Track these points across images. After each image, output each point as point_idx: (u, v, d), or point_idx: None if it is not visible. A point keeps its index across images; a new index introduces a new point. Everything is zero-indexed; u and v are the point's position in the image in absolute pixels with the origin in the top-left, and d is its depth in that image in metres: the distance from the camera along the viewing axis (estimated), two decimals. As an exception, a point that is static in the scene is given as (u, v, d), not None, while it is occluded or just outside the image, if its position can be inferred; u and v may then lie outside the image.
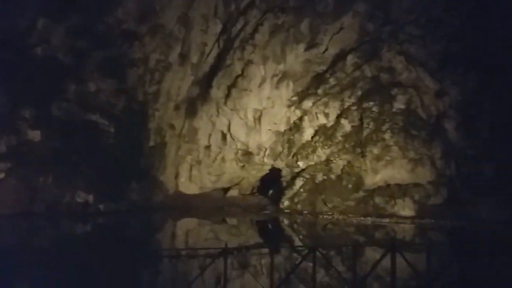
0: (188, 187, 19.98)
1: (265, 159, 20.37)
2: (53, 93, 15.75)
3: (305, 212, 18.07)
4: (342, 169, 18.69)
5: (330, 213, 17.66)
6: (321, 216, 17.54)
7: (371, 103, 19.21)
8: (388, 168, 18.11)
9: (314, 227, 16.55)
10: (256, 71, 20.00)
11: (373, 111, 19.15)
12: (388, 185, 17.82)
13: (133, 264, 8.56)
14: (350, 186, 18.26)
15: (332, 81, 20.12)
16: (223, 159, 20.24)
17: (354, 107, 19.48)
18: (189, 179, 20.00)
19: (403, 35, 19.75)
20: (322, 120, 19.86)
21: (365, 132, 18.94)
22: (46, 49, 16.37)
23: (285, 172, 19.77)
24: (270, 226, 17.23)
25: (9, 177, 13.95)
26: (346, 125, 19.43)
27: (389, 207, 17.26)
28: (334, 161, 18.91)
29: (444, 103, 18.61)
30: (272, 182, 20.21)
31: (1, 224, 12.53)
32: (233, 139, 20.26)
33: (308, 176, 18.98)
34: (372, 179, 18.16)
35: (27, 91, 15.18)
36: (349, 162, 18.66)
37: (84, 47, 17.03)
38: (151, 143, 18.31)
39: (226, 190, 20.68)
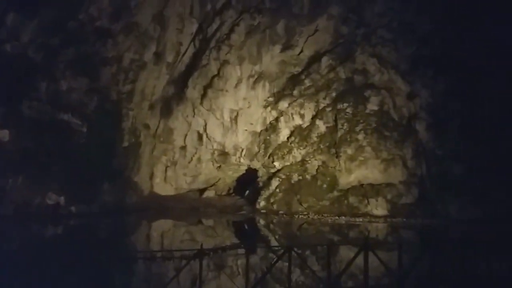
0: (163, 188, 19.73)
1: (242, 160, 20.40)
2: (23, 91, 15.20)
3: (281, 212, 18.23)
4: (317, 169, 18.98)
5: (305, 213, 17.89)
6: (296, 216, 17.73)
7: (345, 105, 19.59)
8: (362, 168, 18.51)
9: (290, 227, 16.71)
10: (232, 71, 19.98)
11: (347, 112, 19.53)
12: (361, 185, 18.21)
13: (106, 267, 8.38)
14: (325, 186, 18.55)
15: (307, 82, 20.38)
16: (199, 160, 20.12)
17: (329, 108, 19.80)
18: (164, 180, 19.75)
19: (375, 38, 20.23)
20: (297, 121, 20.09)
21: (340, 133, 19.29)
22: (16, 46, 15.77)
23: (262, 172, 19.88)
24: (246, 227, 17.26)
25: (-25, 178, 13.47)
26: (321, 126, 19.72)
27: (363, 207, 17.65)
28: (309, 161, 19.17)
29: (415, 104, 19.19)
30: (248, 182, 20.27)
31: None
32: (209, 139, 20.17)
33: (284, 177, 19.16)
34: (346, 179, 18.51)
35: (-5, 89, 14.68)
36: (324, 162, 18.97)
37: (56, 45, 16.52)
38: (125, 143, 17.95)
39: (202, 191, 20.56)
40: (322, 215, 17.48)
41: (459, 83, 18.66)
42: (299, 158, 19.37)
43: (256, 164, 20.30)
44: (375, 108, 19.29)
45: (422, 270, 8.68)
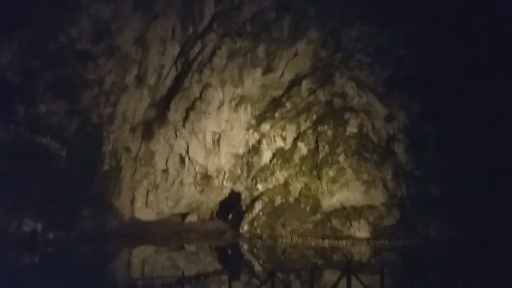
0: (145, 213, 19.33)
1: (225, 183, 20.30)
2: (0, 114, 14.87)
3: (264, 236, 18.08)
4: (299, 192, 19.04)
5: (289, 236, 17.80)
6: (280, 240, 17.62)
7: (326, 127, 19.90)
8: (344, 190, 18.68)
9: (274, 251, 16.59)
10: (215, 94, 20.09)
11: (328, 134, 19.83)
12: (344, 207, 18.31)
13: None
14: (308, 208, 18.59)
15: (288, 105, 20.69)
16: (181, 183, 19.90)
17: (310, 131, 20.07)
18: (145, 204, 19.38)
19: (353, 62, 20.83)
20: (279, 143, 20.24)
21: (321, 155, 19.50)
22: (-6, 68, 15.53)
23: (245, 195, 19.78)
24: (229, 252, 17.03)
25: None
26: (303, 148, 19.92)
27: (346, 229, 17.71)
28: (292, 184, 19.23)
29: (393, 127, 19.69)
30: (231, 206, 20.10)
31: None
32: (191, 162, 20.04)
33: (267, 199, 19.11)
34: (329, 201, 18.61)
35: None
36: (306, 184, 19.06)
37: (35, 67, 16.28)
38: (106, 167, 17.59)
39: (184, 215, 20.23)
40: (306, 238, 17.43)
41: (433, 105, 19.33)
42: (282, 181, 19.43)
43: (239, 187, 20.22)
44: (355, 130, 19.67)
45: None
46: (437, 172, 18.16)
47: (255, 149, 20.46)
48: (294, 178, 19.34)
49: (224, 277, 10.19)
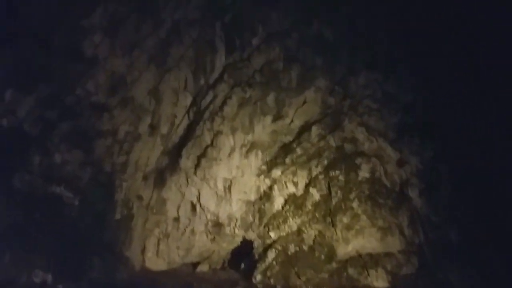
0: (155, 263, 18.85)
1: (236, 230, 19.92)
2: (16, 165, 15.12)
3: (278, 286, 17.41)
4: (314, 240, 18.57)
5: (304, 287, 17.14)
6: (295, 290, 17.02)
7: (337, 172, 19.81)
8: (359, 237, 18.22)
9: (289, 302, 15.97)
10: (225, 141, 20.32)
11: (340, 179, 19.69)
12: (360, 255, 17.75)
13: None
14: (322, 257, 18.02)
15: (299, 150, 20.75)
16: (192, 232, 19.58)
17: (322, 176, 19.96)
18: (156, 254, 18.94)
19: (362, 108, 21.11)
20: (291, 189, 20.08)
21: (334, 201, 19.24)
22: (12, 120, 15.99)
23: (257, 243, 19.31)
24: (242, 303, 16.43)
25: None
26: (315, 194, 19.70)
27: (363, 278, 17.04)
28: (305, 231, 18.83)
29: (406, 171, 19.55)
30: (243, 254, 19.57)
31: None
32: (203, 209, 19.85)
33: (280, 248, 18.60)
34: (344, 249, 18.09)
35: (-13, 163, 14.57)
36: (320, 232, 18.64)
37: (52, 118, 16.78)
38: (117, 216, 17.48)
39: (195, 265, 19.67)
40: (321, 288, 16.79)
41: (446, 149, 19.30)
42: (295, 228, 19.04)
43: (251, 235, 19.81)
44: (367, 175, 19.54)
45: None
46: (455, 216, 17.73)
47: (266, 196, 20.29)
48: (307, 225, 18.96)
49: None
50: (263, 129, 21.33)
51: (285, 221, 19.39)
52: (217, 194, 20.59)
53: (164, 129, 20.02)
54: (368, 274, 17.05)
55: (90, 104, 17.79)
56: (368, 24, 21.02)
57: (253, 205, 20.87)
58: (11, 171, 15.07)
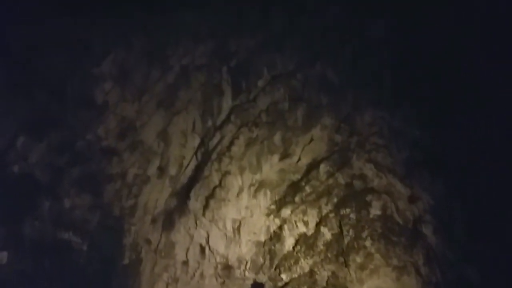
0: (164, 309, 18.40)
1: (247, 273, 19.45)
2: (25, 211, 15.16)
3: (292, 331, 16.77)
4: (327, 281, 18.05)
5: (318, 332, 16.49)
6: (309, 336, 16.31)
7: (348, 210, 19.54)
8: (373, 277, 17.68)
9: None
10: (234, 181, 20.31)
11: (351, 218, 19.39)
12: (375, 296, 17.21)
13: None
14: (337, 299, 17.47)
15: (308, 189, 20.62)
16: (201, 275, 19.14)
17: (332, 214, 19.69)
18: (165, 299, 18.53)
19: (369, 144, 21.13)
20: (302, 228, 19.78)
21: (346, 240, 18.86)
22: (23, 167, 16.18)
23: (268, 286, 18.80)
24: None
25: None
26: (326, 233, 19.36)
27: (380, 321, 16.40)
28: (318, 272, 18.34)
29: (419, 208, 19.22)
30: (254, 299, 19.03)
31: None
32: (212, 252, 19.51)
33: (292, 291, 18.12)
34: (359, 290, 17.53)
35: (-2, 210, 14.63)
36: (333, 272, 18.15)
37: (63, 164, 16.97)
38: (126, 261, 17.21)
39: (205, 310, 19.14)
40: (337, 333, 16.05)
41: (457, 183, 19.03)
42: (307, 269, 18.56)
43: (262, 278, 19.30)
44: (378, 212, 19.24)
45: None
46: (472, 254, 17.17)
47: (277, 236, 19.95)
48: (319, 266, 18.49)
49: None
50: (271, 168, 21.37)
51: (296, 262, 18.94)
52: (226, 235, 20.32)
53: (172, 170, 20.13)
54: (385, 317, 16.32)
55: (100, 149, 18.03)
56: (371, 64, 21.46)
57: (263, 246, 20.50)
58: (20, 218, 15.07)
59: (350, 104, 21.32)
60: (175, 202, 20.33)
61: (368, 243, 18.50)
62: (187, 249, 19.49)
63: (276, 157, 21.03)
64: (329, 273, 18.24)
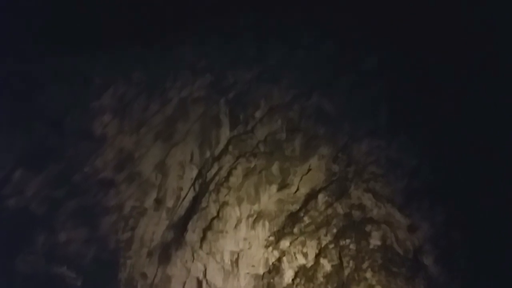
0: None
1: (245, 308, 18.95)
2: (19, 245, 14.94)
3: None
4: (328, 315, 17.55)
5: None
6: None
7: (348, 240, 19.25)
8: (376, 310, 17.21)
9: None
10: (232, 212, 20.12)
11: (351, 248, 19.08)
12: (378, 330, 16.67)
13: None
14: (338, 334, 16.90)
15: (306, 219, 20.39)
16: (199, 311, 18.63)
17: (332, 245, 19.38)
18: (161, 337, 17.88)
19: (367, 174, 21.10)
20: (301, 260, 19.37)
21: (346, 272, 18.46)
22: (19, 200, 16.13)
23: (268, 322, 18.26)
24: None
25: None
26: (326, 264, 18.97)
27: None
28: (318, 305, 17.88)
29: (418, 237, 18.95)
30: (253, 335, 18.38)
31: None
32: (209, 286, 18.99)
33: (293, 326, 17.56)
34: (361, 324, 16.99)
35: (-9, 245, 14.43)
36: (334, 306, 17.69)
37: (59, 197, 16.92)
38: (121, 297, 16.84)
39: None
40: None
41: (457, 212, 18.88)
42: (307, 303, 18.08)
43: (261, 313, 18.76)
44: (378, 243, 18.94)
45: None
46: (476, 285, 16.83)
47: (276, 268, 19.52)
48: (320, 299, 18.03)
49: None
50: (269, 198, 21.24)
51: (296, 295, 18.49)
52: (223, 268, 19.88)
53: (170, 202, 19.99)
54: None
55: (98, 181, 18.03)
56: (366, 95, 21.88)
57: (262, 279, 20.00)
58: (14, 252, 14.85)
59: (347, 134, 21.56)
60: (172, 234, 20.05)
61: (369, 274, 18.11)
62: (184, 283, 19.00)
63: (274, 187, 20.97)
64: (330, 307, 17.79)
